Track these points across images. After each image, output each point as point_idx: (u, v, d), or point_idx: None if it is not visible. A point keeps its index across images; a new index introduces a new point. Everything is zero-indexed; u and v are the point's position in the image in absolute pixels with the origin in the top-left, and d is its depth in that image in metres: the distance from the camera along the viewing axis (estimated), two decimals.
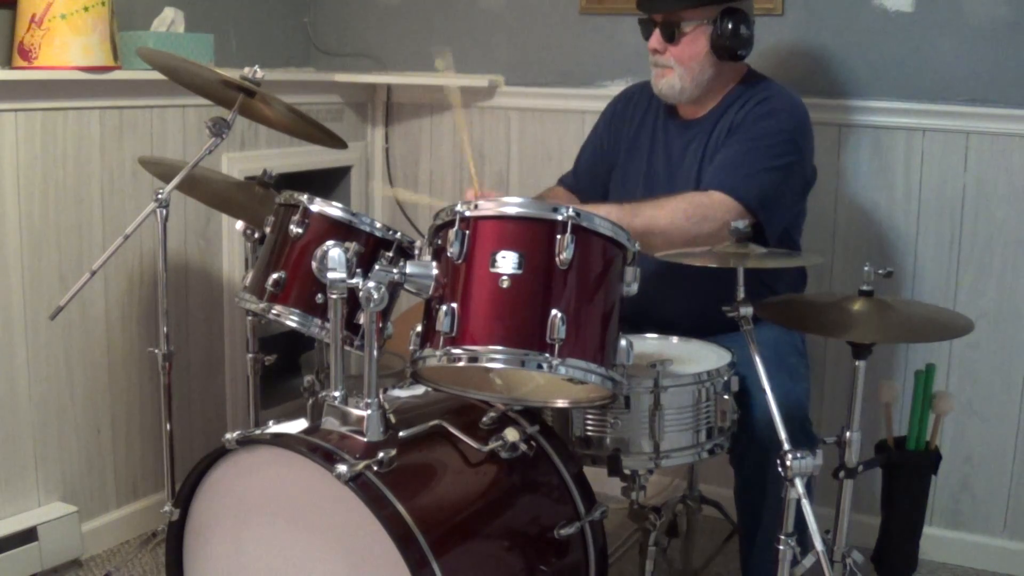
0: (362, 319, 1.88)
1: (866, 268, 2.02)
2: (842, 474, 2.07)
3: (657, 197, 2.31)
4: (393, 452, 1.78)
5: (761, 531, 2.23)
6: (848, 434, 2.05)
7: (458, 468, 1.94)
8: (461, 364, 1.82)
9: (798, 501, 1.82)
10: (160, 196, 2.26)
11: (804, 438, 2.08)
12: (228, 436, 1.85)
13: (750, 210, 2.26)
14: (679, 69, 2.42)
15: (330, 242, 1.89)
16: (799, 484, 1.81)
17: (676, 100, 2.49)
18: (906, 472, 2.44)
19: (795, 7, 2.94)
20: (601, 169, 2.65)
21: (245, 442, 1.85)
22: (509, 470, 1.97)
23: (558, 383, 2.00)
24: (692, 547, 2.66)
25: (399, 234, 2.14)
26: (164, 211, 2.28)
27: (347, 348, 2.07)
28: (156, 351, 2.42)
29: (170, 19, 2.94)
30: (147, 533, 2.71)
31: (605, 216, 1.89)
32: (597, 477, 2.10)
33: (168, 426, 2.41)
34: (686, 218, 2.22)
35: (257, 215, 2.44)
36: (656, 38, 2.42)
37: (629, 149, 2.60)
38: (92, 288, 2.67)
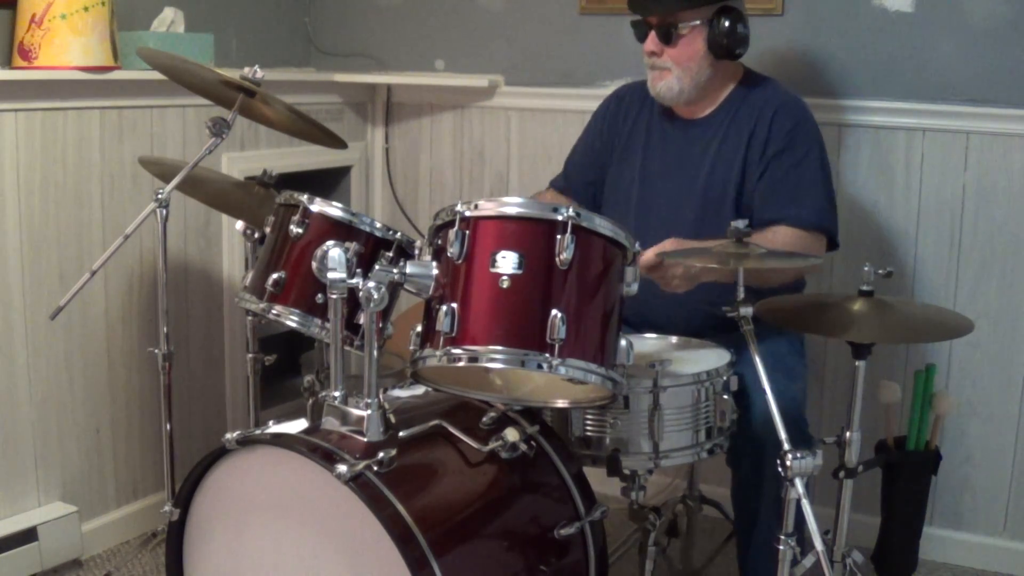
0: (362, 319, 1.88)
1: (866, 268, 2.02)
2: (842, 474, 2.07)
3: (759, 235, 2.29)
4: (393, 452, 1.78)
5: (758, 530, 2.23)
6: (848, 434, 2.05)
7: (458, 468, 1.94)
8: (461, 364, 1.82)
9: (798, 501, 1.82)
10: (160, 196, 2.26)
11: (799, 438, 2.08)
12: (228, 436, 1.85)
13: (830, 234, 2.40)
14: (677, 70, 2.41)
15: (330, 242, 1.89)
16: (799, 484, 1.81)
17: (674, 102, 2.48)
18: (906, 472, 2.44)
19: (795, 7, 2.94)
20: (593, 170, 2.65)
21: (245, 442, 1.85)
22: (509, 470, 1.97)
23: (558, 383, 2.00)
24: (692, 547, 2.66)
25: (399, 234, 2.15)
26: (164, 211, 2.28)
27: (347, 348, 2.07)
28: (156, 351, 2.42)
29: (170, 19, 2.94)
30: (147, 533, 2.70)
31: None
32: (597, 477, 2.10)
33: (168, 426, 2.41)
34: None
35: (257, 215, 2.44)
36: (652, 40, 2.41)
37: (624, 149, 2.59)
38: (92, 288, 2.67)
